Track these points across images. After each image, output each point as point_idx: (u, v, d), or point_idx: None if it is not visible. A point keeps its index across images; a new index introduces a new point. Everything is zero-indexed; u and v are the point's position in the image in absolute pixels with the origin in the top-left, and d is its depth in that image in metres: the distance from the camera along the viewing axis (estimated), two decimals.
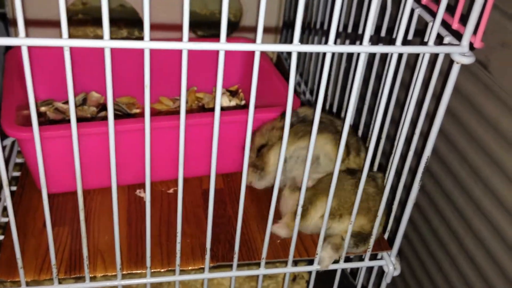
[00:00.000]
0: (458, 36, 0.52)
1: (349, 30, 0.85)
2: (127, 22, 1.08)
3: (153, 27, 1.02)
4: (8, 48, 0.87)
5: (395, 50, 0.50)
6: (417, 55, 0.56)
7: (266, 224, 0.59)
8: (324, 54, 0.49)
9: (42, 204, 0.52)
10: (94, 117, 0.86)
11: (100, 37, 0.45)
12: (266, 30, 1.10)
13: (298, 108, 0.71)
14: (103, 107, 0.87)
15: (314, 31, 0.98)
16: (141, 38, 0.87)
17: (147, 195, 0.53)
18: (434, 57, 0.55)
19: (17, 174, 0.77)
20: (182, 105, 0.49)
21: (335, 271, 0.69)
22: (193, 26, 1.11)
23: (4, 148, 0.80)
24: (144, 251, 0.63)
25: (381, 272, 0.70)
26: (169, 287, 0.89)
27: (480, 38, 0.50)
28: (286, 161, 0.67)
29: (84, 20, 1.06)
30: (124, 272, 0.62)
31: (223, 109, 0.89)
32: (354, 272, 0.86)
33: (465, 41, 0.50)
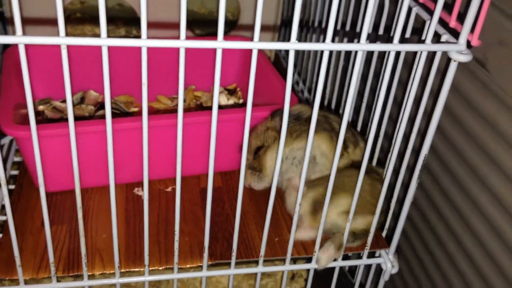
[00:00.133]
0: (455, 34, 0.52)
1: (347, 28, 0.85)
2: (125, 21, 1.08)
3: (151, 25, 1.03)
4: (6, 46, 0.87)
5: (392, 48, 0.50)
6: (415, 52, 0.56)
7: (264, 222, 0.59)
8: (322, 52, 0.49)
9: (40, 202, 0.52)
10: (92, 115, 0.86)
11: (98, 36, 0.45)
12: (264, 28, 1.10)
13: (292, 106, 0.71)
14: (101, 105, 0.87)
15: (312, 29, 0.98)
16: (139, 36, 0.87)
17: (145, 193, 0.53)
18: (431, 55, 0.55)
19: (15, 172, 0.77)
20: (179, 104, 0.49)
21: (333, 269, 0.69)
22: (191, 24, 1.11)
23: (2, 146, 0.80)
24: (142, 249, 0.63)
25: (379, 270, 0.70)
26: (167, 286, 0.89)
27: (477, 36, 0.50)
28: (282, 161, 0.67)
29: (82, 19, 1.06)
30: (122, 270, 0.62)
31: (221, 107, 0.89)
32: (353, 269, 0.86)
33: (463, 39, 0.50)
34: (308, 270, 0.68)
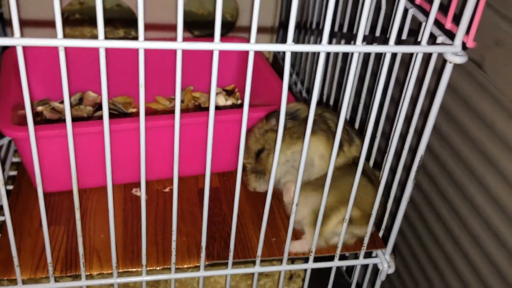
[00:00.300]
0: (451, 35, 0.52)
1: (345, 29, 0.86)
2: (123, 22, 1.08)
3: (149, 27, 1.03)
4: (5, 47, 0.87)
5: (388, 49, 0.50)
6: (411, 53, 0.56)
7: (261, 222, 0.59)
8: (319, 53, 0.49)
9: (38, 203, 0.53)
10: (90, 116, 0.86)
11: (97, 37, 0.45)
12: (262, 30, 1.11)
13: (288, 104, 0.70)
14: (99, 106, 0.87)
15: (310, 31, 0.99)
16: (137, 38, 0.88)
17: (142, 193, 0.54)
18: (427, 56, 0.55)
19: (13, 173, 0.77)
20: (177, 104, 0.50)
21: (330, 269, 0.69)
22: (189, 26, 1.11)
23: (1, 147, 0.80)
24: (140, 250, 0.64)
25: (376, 270, 0.70)
26: (166, 286, 0.90)
27: (473, 37, 0.50)
28: (283, 164, 0.67)
29: (81, 20, 1.07)
30: (120, 270, 0.62)
31: (219, 108, 0.90)
32: (350, 270, 0.87)
33: (458, 40, 0.51)
34: (305, 270, 0.68)
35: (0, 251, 0.63)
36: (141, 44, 0.45)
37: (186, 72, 0.92)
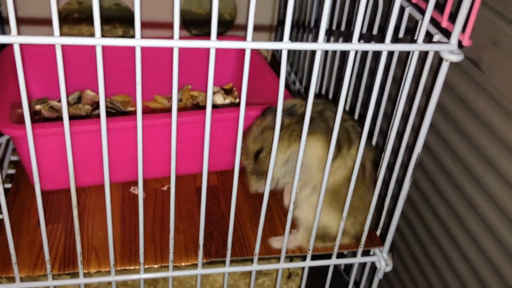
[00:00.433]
0: (447, 34, 0.52)
1: (343, 28, 0.86)
2: (122, 21, 1.08)
3: (147, 25, 1.03)
4: (3, 46, 0.88)
5: (385, 48, 0.50)
6: (408, 52, 0.56)
7: (259, 220, 0.59)
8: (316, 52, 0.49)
9: (36, 201, 0.53)
10: (89, 115, 0.86)
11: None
12: (260, 28, 1.11)
13: (285, 100, 0.69)
14: (98, 105, 0.87)
15: (309, 29, 0.99)
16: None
17: (139, 191, 0.54)
18: (424, 54, 0.55)
19: (12, 172, 0.77)
20: (173, 102, 0.50)
21: (328, 268, 0.69)
22: (188, 25, 1.11)
23: None
24: (137, 248, 0.64)
25: (374, 268, 0.71)
26: (164, 285, 0.90)
27: (469, 36, 0.50)
28: (282, 165, 0.65)
29: (79, 19, 1.07)
30: (117, 268, 0.62)
31: (217, 107, 0.90)
32: (348, 269, 0.87)
33: (454, 39, 0.51)
34: (303, 269, 0.69)
35: None
36: (138, 42, 0.45)
37: (185, 71, 0.93)
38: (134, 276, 0.61)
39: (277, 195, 0.71)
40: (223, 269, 0.63)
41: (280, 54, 1.15)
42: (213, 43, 0.46)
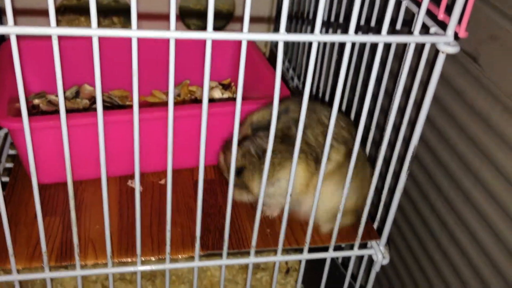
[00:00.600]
0: (444, 26, 0.52)
1: (341, 22, 0.86)
2: (121, 17, 1.08)
3: (145, 17, 1.03)
4: (2, 40, 0.88)
5: (381, 39, 0.50)
6: (405, 45, 0.57)
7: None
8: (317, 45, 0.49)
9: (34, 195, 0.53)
10: (87, 109, 0.86)
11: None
12: (259, 20, 1.10)
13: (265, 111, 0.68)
14: (96, 99, 0.87)
15: (307, 21, 0.99)
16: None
17: (136, 182, 0.54)
18: (421, 48, 0.55)
19: (10, 165, 0.78)
20: (170, 95, 0.50)
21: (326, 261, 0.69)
22: (185, 19, 1.11)
23: None
24: (135, 241, 0.64)
25: (371, 261, 0.71)
26: (163, 279, 0.90)
27: (465, 27, 0.50)
28: (268, 186, 0.64)
29: (78, 10, 1.07)
30: (114, 261, 0.62)
31: (215, 101, 0.90)
32: (346, 263, 0.87)
33: (450, 30, 0.51)
34: (300, 262, 0.69)
35: None
36: (134, 33, 0.45)
37: (183, 66, 0.93)
38: (131, 268, 0.61)
39: None
40: (220, 262, 0.63)
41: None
42: (209, 35, 0.47)
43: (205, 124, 0.52)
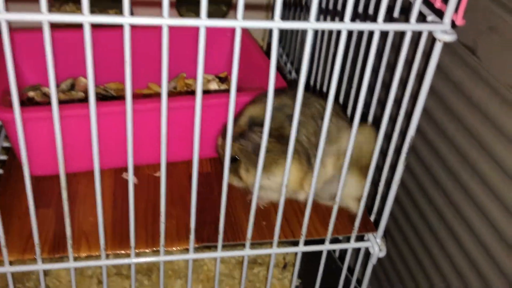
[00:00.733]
0: (441, 15, 0.52)
1: (338, 10, 0.85)
2: (118, 11, 1.08)
3: (138, 3, 1.02)
4: None
5: (377, 27, 0.50)
6: (401, 35, 0.56)
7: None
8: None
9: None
10: (82, 101, 0.85)
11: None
12: (257, 7, 1.10)
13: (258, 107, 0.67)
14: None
15: (305, 8, 0.99)
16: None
17: (129, 173, 0.53)
18: (417, 37, 0.55)
19: (4, 158, 0.77)
20: (163, 84, 0.49)
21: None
22: (182, 10, 1.11)
23: None
24: (129, 233, 0.63)
25: (368, 254, 0.70)
26: (159, 273, 0.89)
27: (462, 15, 0.50)
28: (262, 179, 0.62)
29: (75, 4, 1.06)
30: (108, 253, 0.62)
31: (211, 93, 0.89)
32: (342, 257, 0.87)
33: (447, 18, 0.50)
34: (296, 255, 0.68)
35: None
36: (126, 20, 0.45)
37: (179, 59, 0.92)
38: (125, 261, 0.61)
39: None
40: (215, 254, 0.63)
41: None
42: (202, 22, 0.46)
43: (199, 115, 0.51)
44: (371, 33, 0.51)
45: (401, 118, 0.59)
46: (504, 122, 0.59)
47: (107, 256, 0.61)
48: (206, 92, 0.88)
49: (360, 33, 0.78)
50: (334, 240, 0.67)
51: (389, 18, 0.70)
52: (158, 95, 0.91)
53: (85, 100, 0.86)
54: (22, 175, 0.71)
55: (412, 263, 0.79)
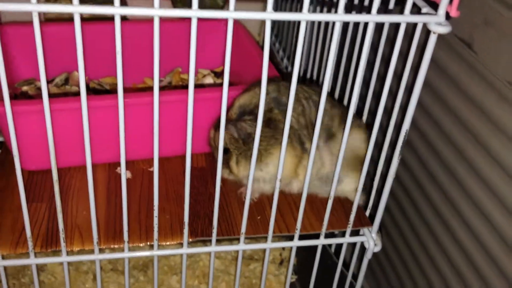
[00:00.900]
0: (435, 7, 0.51)
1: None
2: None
3: None
4: None
5: (371, 19, 0.49)
6: (396, 28, 0.56)
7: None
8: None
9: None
10: (76, 95, 0.85)
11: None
12: (253, 0, 1.09)
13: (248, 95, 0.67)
14: (86, 87, 0.86)
15: (302, 0, 0.98)
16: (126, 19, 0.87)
17: (122, 168, 0.53)
18: (412, 30, 0.54)
19: None
20: (155, 78, 0.49)
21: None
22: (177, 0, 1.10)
23: None
24: (122, 227, 0.63)
25: (364, 249, 0.70)
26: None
27: (456, 7, 0.49)
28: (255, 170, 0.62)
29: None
30: (101, 247, 0.61)
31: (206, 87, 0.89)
32: (338, 252, 0.86)
33: (442, 10, 0.50)
34: (291, 249, 0.68)
35: None
36: (117, 10, 0.44)
37: (175, 54, 0.92)
38: (119, 255, 0.60)
39: None
40: (209, 248, 0.62)
41: (274, 40, 1.14)
42: (194, 12, 0.46)
43: (191, 107, 0.51)
44: (366, 26, 0.51)
45: (396, 110, 0.58)
46: (500, 116, 0.58)
47: (101, 251, 0.60)
48: (201, 86, 0.87)
49: (356, 27, 0.77)
50: (329, 235, 0.66)
51: (384, 10, 0.70)
52: (151, 88, 0.91)
53: (79, 94, 0.86)
54: (15, 170, 0.72)
55: (408, 258, 0.79)
